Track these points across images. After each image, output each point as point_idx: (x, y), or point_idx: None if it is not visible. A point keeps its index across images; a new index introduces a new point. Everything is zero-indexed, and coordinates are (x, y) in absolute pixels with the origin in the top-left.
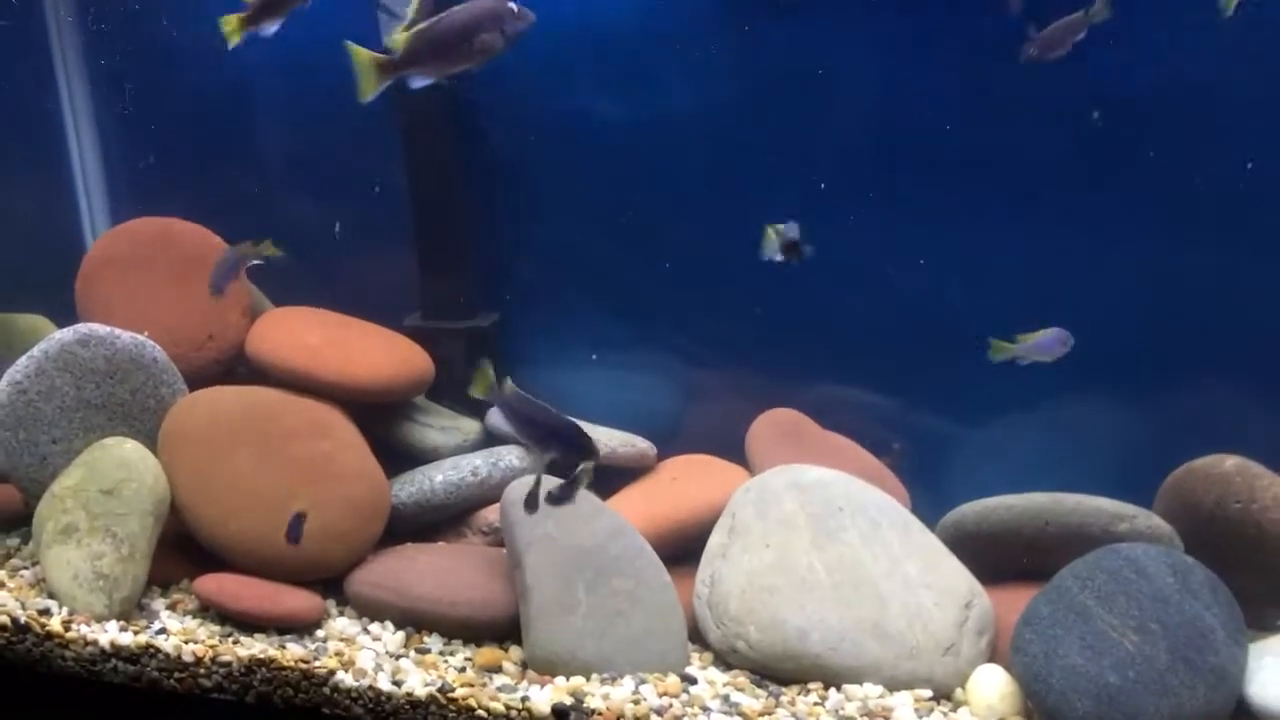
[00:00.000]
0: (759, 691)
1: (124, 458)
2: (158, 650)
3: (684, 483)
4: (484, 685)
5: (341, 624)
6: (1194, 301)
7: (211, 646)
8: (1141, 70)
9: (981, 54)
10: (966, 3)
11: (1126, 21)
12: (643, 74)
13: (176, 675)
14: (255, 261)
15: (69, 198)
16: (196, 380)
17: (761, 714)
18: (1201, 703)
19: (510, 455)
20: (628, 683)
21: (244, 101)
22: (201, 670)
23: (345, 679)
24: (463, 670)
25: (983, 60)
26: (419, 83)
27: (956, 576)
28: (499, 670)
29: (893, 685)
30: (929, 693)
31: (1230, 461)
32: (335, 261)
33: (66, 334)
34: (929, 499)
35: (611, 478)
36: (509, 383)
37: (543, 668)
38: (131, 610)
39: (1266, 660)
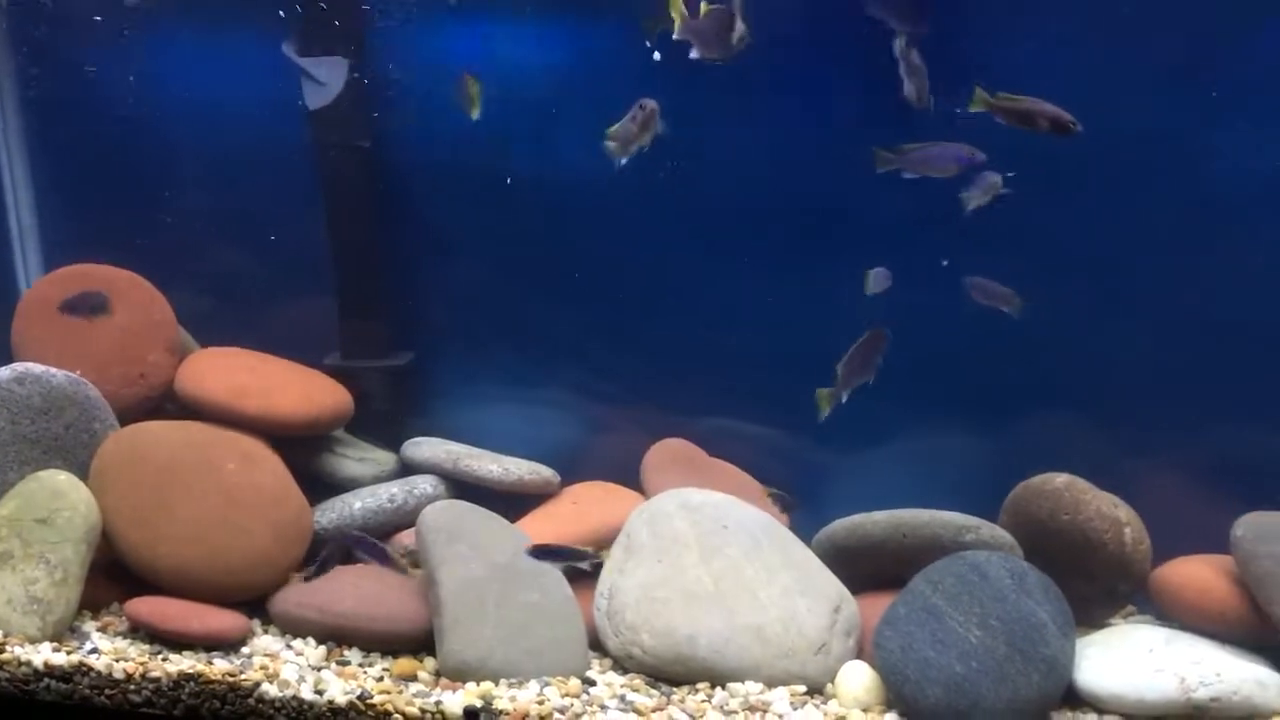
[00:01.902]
0: (653, 691)
1: (58, 488)
2: (90, 669)
3: (584, 506)
4: (400, 692)
5: (265, 641)
6: (1031, 344)
7: (141, 664)
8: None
9: (854, 131)
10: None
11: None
12: (549, 132)
13: (108, 692)
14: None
15: (3, 246)
16: (127, 416)
17: (655, 710)
18: (1036, 689)
19: (424, 483)
20: (533, 686)
21: (173, 155)
22: (131, 686)
23: (270, 690)
24: (380, 679)
25: (854, 136)
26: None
27: (827, 584)
28: (414, 679)
29: (771, 682)
30: (803, 688)
31: (1061, 479)
32: (259, 304)
33: (3, 373)
34: (805, 516)
35: (519, 502)
36: None
37: (455, 675)
38: (64, 632)
39: (1090, 651)
